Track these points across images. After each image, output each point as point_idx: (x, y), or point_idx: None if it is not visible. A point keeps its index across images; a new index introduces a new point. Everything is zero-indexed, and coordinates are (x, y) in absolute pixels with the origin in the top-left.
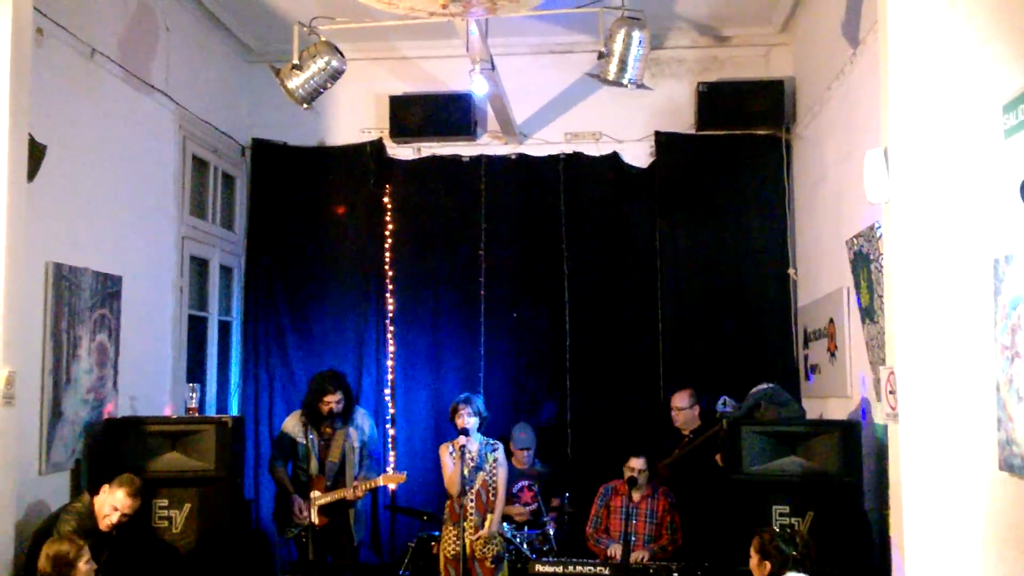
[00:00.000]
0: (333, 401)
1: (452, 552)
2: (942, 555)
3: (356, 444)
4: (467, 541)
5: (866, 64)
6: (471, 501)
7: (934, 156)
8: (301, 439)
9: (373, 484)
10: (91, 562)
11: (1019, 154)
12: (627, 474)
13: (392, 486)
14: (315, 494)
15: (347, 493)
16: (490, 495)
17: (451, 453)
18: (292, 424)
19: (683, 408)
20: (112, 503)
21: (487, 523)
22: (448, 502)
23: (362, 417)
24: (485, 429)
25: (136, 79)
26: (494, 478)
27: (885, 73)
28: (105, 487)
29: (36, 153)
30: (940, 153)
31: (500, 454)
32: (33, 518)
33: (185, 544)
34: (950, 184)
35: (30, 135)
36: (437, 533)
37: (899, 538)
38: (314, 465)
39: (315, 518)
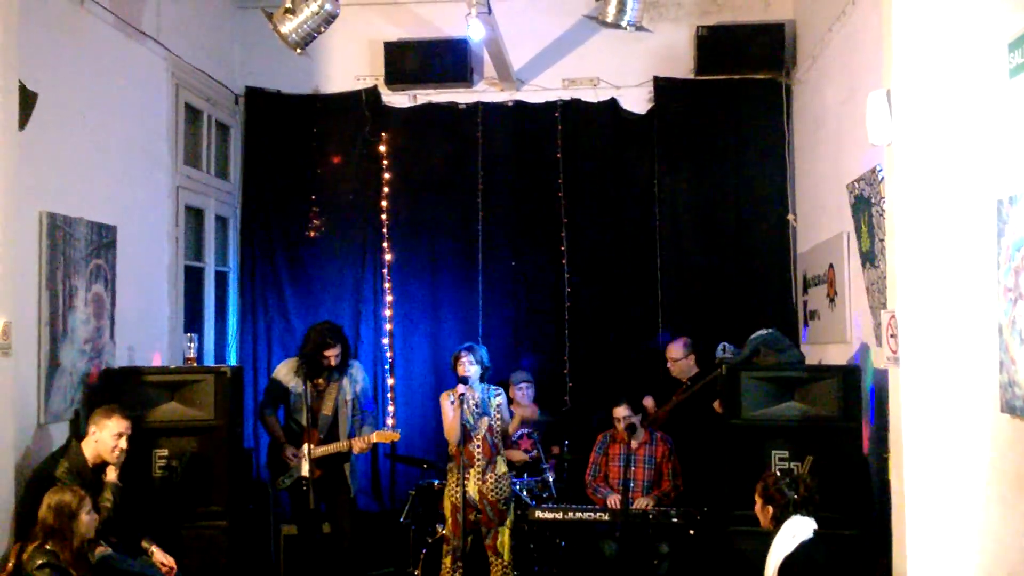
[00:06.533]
0: (333, 355)
1: (457, 498)
2: (943, 498)
3: (349, 397)
4: (474, 487)
5: (868, 4)
6: (478, 447)
7: (938, 96)
8: (294, 388)
9: (368, 441)
10: (92, 512)
11: None
12: (615, 424)
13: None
14: (309, 447)
15: (343, 446)
16: (496, 439)
17: (451, 401)
18: (285, 372)
19: (678, 359)
20: (114, 431)
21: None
22: (452, 449)
23: (356, 369)
24: (487, 378)
25: (127, 26)
26: (499, 423)
27: (888, 13)
28: (91, 428)
29: (27, 100)
30: (944, 93)
31: (503, 399)
32: (33, 468)
33: (185, 493)
34: (954, 125)
35: (20, 82)
36: (437, 481)
37: (899, 482)
38: (306, 416)
39: (307, 470)
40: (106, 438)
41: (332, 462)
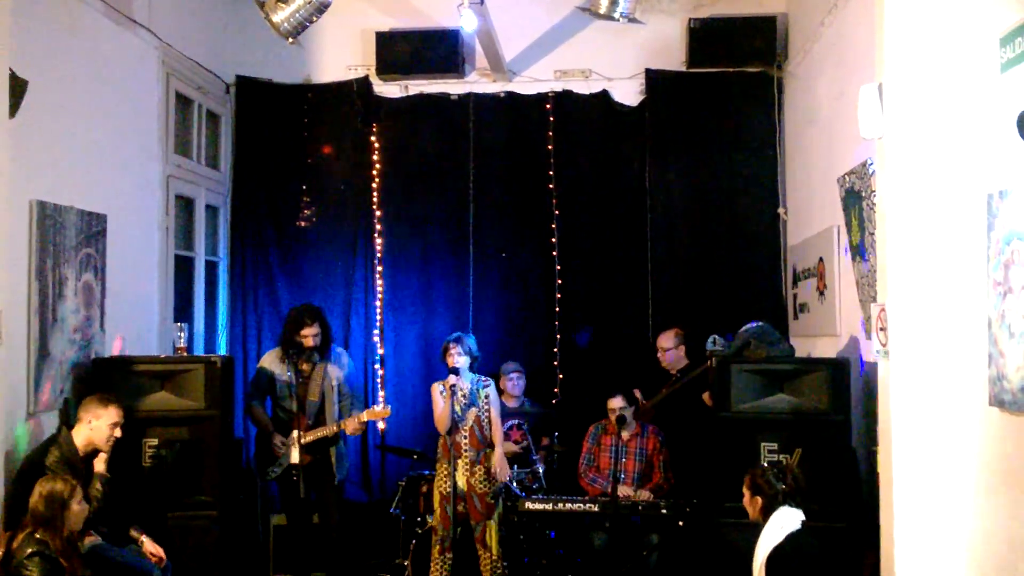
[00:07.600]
0: (311, 334)
1: (447, 489)
2: (931, 491)
3: (334, 383)
4: (462, 477)
5: None
6: (465, 438)
7: (929, 91)
8: (280, 377)
9: (360, 420)
10: (83, 502)
11: (1016, 88)
12: (609, 415)
13: (380, 423)
14: (299, 433)
15: (330, 430)
16: (484, 431)
17: (441, 392)
18: (270, 361)
19: (668, 348)
20: (111, 420)
21: (494, 458)
22: (441, 440)
23: (340, 355)
24: (476, 369)
25: (118, 14)
26: (487, 414)
27: (880, 6)
28: (86, 416)
29: (17, 88)
30: (935, 87)
31: (492, 390)
32: (22, 457)
33: (175, 483)
34: (945, 119)
35: (11, 70)
36: (427, 472)
37: (888, 474)
38: (293, 404)
39: (296, 457)
40: (102, 426)
41: (319, 448)
